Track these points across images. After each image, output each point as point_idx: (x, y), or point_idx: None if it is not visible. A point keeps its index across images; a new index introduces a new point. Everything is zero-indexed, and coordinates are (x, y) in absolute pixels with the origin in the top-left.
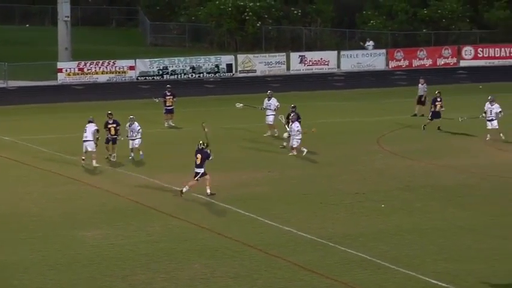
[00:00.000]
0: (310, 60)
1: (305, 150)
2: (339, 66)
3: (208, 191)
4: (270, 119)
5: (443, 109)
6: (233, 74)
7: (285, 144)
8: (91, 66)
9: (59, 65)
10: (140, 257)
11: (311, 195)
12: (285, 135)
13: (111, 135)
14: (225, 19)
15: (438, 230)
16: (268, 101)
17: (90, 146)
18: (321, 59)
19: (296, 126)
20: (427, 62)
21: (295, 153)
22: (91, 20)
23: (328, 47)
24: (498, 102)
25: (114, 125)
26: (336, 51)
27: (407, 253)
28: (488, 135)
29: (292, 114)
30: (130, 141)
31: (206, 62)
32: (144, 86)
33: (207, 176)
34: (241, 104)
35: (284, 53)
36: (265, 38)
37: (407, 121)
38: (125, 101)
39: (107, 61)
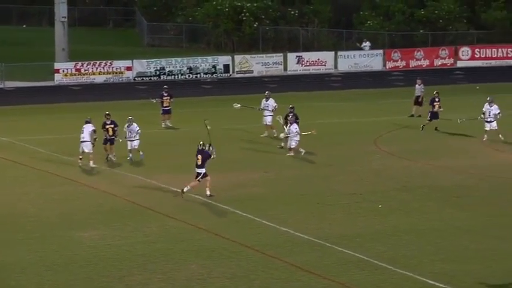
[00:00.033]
0: (307, 61)
1: (303, 151)
2: (336, 66)
3: (208, 192)
4: (269, 119)
5: (441, 109)
6: (230, 75)
7: (282, 144)
8: (88, 66)
9: (56, 65)
10: (137, 258)
11: (308, 196)
12: (282, 135)
13: (109, 135)
14: (222, 20)
15: (435, 230)
16: (266, 101)
17: (87, 147)
18: (318, 59)
19: (294, 128)
20: (424, 63)
21: (292, 154)
22: (88, 21)
23: (325, 47)
24: (496, 103)
25: (112, 126)
26: (333, 52)
27: (404, 254)
28: (486, 136)
29: (290, 116)
30: (129, 143)
31: (203, 63)
32: (141, 87)
33: (208, 178)
34: (239, 105)
35: (281, 54)
36: (262, 39)
37: (404, 122)
38: (122, 102)
39: (104, 62)
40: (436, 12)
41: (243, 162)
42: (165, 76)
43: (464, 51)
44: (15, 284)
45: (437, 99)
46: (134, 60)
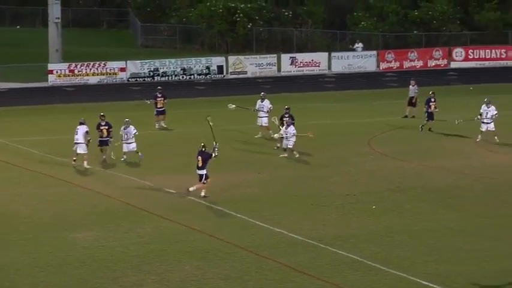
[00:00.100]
0: (301, 62)
1: (297, 154)
2: (329, 67)
3: (203, 193)
4: (264, 120)
5: (437, 110)
6: (224, 76)
7: (278, 145)
8: (82, 67)
9: (50, 66)
10: (131, 259)
11: (302, 197)
12: (276, 136)
13: (104, 137)
14: (215, 20)
15: (429, 231)
16: (261, 102)
17: (81, 148)
18: (312, 60)
19: (292, 129)
20: (418, 64)
21: (286, 155)
22: (82, 22)
23: (319, 48)
24: (493, 104)
25: (106, 127)
26: (326, 53)
27: (398, 254)
28: (480, 137)
29: (287, 118)
30: (126, 145)
31: (197, 64)
32: (135, 88)
33: (208, 180)
34: (234, 105)
35: (275, 55)
36: (256, 40)
37: (398, 122)
38: (115, 103)
39: (98, 63)
40: (430, 13)
41: (237, 163)
42: (158, 77)
43: (458, 52)
44: (9, 285)
45: (433, 100)
46: (128, 61)
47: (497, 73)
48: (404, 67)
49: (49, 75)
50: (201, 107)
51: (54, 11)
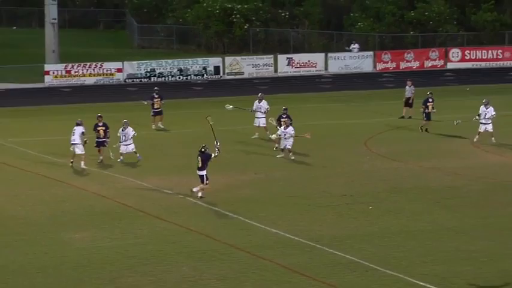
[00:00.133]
0: (297, 63)
1: (293, 157)
2: (326, 68)
3: (200, 194)
4: (262, 121)
5: (434, 110)
6: (221, 76)
7: (277, 145)
8: (78, 68)
9: (46, 67)
10: (128, 260)
11: (299, 198)
12: (273, 136)
13: (101, 137)
14: (212, 21)
15: (426, 232)
16: (259, 103)
17: (78, 149)
18: (309, 61)
19: (291, 130)
20: (415, 64)
21: (282, 155)
22: (78, 22)
23: (315, 49)
24: (491, 104)
25: (104, 128)
26: (323, 54)
27: (395, 255)
28: (477, 137)
29: (285, 118)
30: (124, 147)
31: (194, 64)
32: (132, 88)
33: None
34: (231, 106)
35: (272, 55)
36: (252, 40)
37: (394, 123)
38: (112, 104)
39: (95, 63)
40: (426, 14)
41: (233, 163)
42: (155, 78)
43: (455, 53)
44: (5, 286)
45: (430, 100)
46: (125, 62)
47: (493, 73)
48: (400, 68)
49: (45, 76)
50: (198, 107)
51: (51, 11)
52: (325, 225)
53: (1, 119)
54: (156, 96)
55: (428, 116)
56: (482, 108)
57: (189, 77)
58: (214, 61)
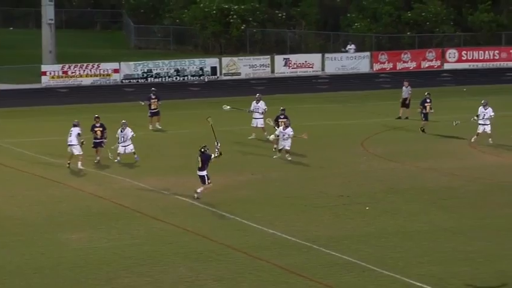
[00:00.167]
0: (294, 63)
1: (289, 158)
2: (323, 69)
3: (196, 194)
4: (260, 122)
5: (432, 111)
6: (218, 77)
7: (276, 146)
8: (75, 69)
9: (43, 68)
10: (125, 260)
11: (295, 198)
12: (271, 137)
13: (98, 138)
14: (209, 22)
15: (423, 232)
16: (257, 103)
17: (76, 150)
18: (306, 61)
19: (290, 131)
20: (411, 65)
21: (279, 155)
22: (75, 23)
23: (312, 49)
24: (490, 105)
25: (101, 129)
26: (320, 54)
27: (391, 256)
28: (475, 137)
29: (282, 118)
30: (122, 148)
31: (190, 65)
32: (129, 89)
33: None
34: (228, 107)
35: (268, 56)
36: (249, 41)
37: (391, 124)
38: (109, 104)
39: (91, 64)
40: (423, 14)
41: (230, 164)
42: (152, 78)
43: (451, 54)
44: (2, 287)
45: (428, 100)
46: (121, 63)
47: (490, 74)
48: (397, 68)
49: (42, 77)
50: (195, 108)
51: (48, 12)
52: (322, 225)
53: None
54: (153, 97)
55: (426, 117)
56: (481, 109)
57: (185, 77)
58: (211, 62)
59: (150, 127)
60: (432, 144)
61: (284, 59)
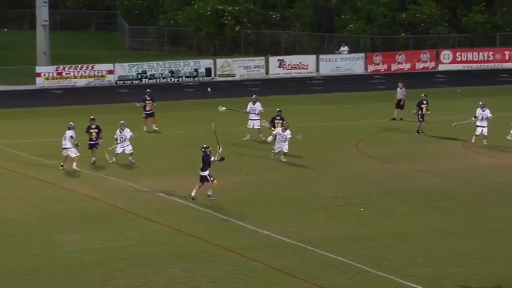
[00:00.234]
0: (289, 64)
1: (284, 159)
2: (317, 70)
3: (193, 194)
4: (256, 123)
5: (428, 112)
6: (212, 78)
7: (274, 147)
8: (70, 70)
9: (38, 69)
10: (119, 262)
11: (290, 199)
12: (269, 139)
13: (93, 140)
14: (204, 23)
15: (417, 233)
16: (253, 105)
17: (72, 152)
18: (300, 63)
19: (288, 133)
20: (406, 66)
21: (272, 157)
22: (70, 24)
23: (307, 51)
24: (488, 107)
25: (96, 130)
26: (314, 55)
27: (386, 257)
28: (474, 138)
29: (278, 119)
30: (121, 148)
31: (185, 66)
32: (123, 90)
33: (204, 183)
34: (224, 108)
35: (263, 57)
36: (244, 42)
37: (386, 125)
38: (103, 105)
39: (86, 65)
40: (418, 15)
41: (225, 165)
42: (146, 80)
43: (446, 55)
44: None
45: (424, 102)
46: (116, 64)
47: (484, 75)
48: (392, 69)
49: (37, 78)
50: (190, 109)
51: (42, 13)
52: (317, 227)
53: None
54: (148, 98)
55: (423, 118)
56: (478, 110)
57: (180, 78)
58: (205, 63)
59: (145, 128)
60: (426, 145)
61: (278, 60)
